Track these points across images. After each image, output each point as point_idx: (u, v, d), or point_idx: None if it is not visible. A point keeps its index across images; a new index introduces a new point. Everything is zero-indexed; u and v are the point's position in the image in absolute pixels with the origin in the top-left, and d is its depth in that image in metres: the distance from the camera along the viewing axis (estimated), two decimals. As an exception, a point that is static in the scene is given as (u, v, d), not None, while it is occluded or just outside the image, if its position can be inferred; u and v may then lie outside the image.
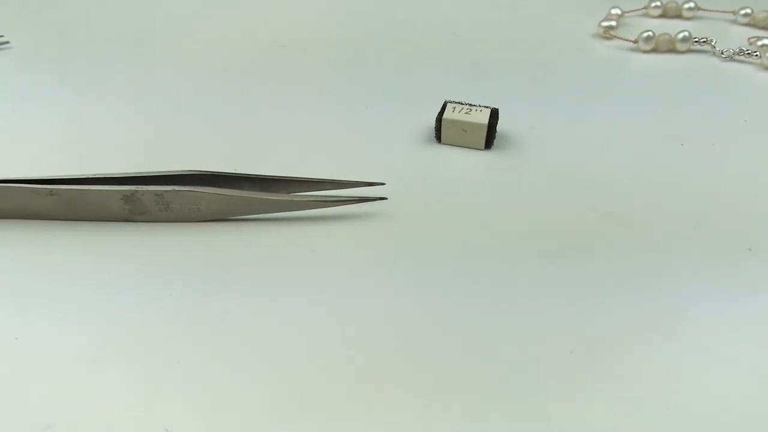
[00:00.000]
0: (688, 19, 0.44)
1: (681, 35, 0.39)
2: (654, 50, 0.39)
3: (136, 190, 0.25)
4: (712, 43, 0.39)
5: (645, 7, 0.43)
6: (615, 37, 0.40)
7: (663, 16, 0.43)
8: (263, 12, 0.44)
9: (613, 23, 0.40)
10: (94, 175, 0.26)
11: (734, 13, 0.43)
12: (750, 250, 0.25)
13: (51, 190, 0.25)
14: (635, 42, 0.39)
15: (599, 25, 0.40)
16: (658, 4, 0.43)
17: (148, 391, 0.19)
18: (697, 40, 0.39)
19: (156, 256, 0.24)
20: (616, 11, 0.41)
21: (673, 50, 0.39)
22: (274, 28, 0.42)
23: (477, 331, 0.21)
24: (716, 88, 0.36)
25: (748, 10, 0.42)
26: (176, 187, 0.25)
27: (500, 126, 0.31)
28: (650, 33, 0.39)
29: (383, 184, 0.27)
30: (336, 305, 0.22)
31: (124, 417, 0.19)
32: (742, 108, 0.34)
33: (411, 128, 0.32)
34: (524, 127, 0.32)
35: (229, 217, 0.26)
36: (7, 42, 0.40)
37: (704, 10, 0.44)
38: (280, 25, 0.42)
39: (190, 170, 0.26)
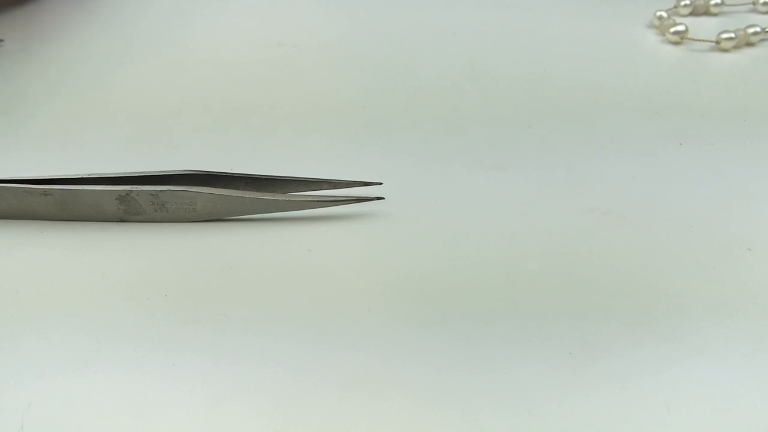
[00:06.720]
0: (715, 15, 0.44)
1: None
2: (676, 42, 0.40)
3: (131, 190, 0.24)
4: None
5: (675, 6, 0.43)
6: (688, 38, 0.40)
7: (692, 14, 0.44)
8: (261, 11, 0.44)
9: (682, 27, 0.40)
10: (89, 174, 0.25)
11: (754, 3, 0.44)
12: (750, 250, 0.24)
13: (45, 190, 0.24)
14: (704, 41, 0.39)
15: (671, 32, 0.40)
16: (687, 2, 0.43)
17: (143, 393, 0.19)
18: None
19: (151, 257, 0.24)
20: (661, 13, 0.41)
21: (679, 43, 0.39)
22: (270, 27, 0.42)
23: (477, 331, 0.21)
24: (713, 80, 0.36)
25: None
26: (171, 187, 0.24)
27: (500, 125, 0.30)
28: (682, 27, 0.39)
29: (380, 183, 0.27)
30: (333, 305, 0.22)
31: (119, 419, 0.18)
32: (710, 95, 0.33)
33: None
34: (524, 127, 0.32)
35: (225, 217, 0.26)
36: (2, 40, 0.39)
37: (729, 5, 0.44)
38: (277, 24, 0.42)
39: (186, 170, 0.25)
